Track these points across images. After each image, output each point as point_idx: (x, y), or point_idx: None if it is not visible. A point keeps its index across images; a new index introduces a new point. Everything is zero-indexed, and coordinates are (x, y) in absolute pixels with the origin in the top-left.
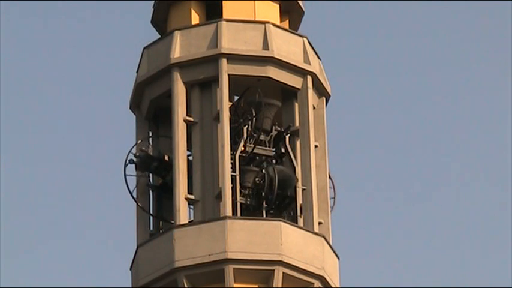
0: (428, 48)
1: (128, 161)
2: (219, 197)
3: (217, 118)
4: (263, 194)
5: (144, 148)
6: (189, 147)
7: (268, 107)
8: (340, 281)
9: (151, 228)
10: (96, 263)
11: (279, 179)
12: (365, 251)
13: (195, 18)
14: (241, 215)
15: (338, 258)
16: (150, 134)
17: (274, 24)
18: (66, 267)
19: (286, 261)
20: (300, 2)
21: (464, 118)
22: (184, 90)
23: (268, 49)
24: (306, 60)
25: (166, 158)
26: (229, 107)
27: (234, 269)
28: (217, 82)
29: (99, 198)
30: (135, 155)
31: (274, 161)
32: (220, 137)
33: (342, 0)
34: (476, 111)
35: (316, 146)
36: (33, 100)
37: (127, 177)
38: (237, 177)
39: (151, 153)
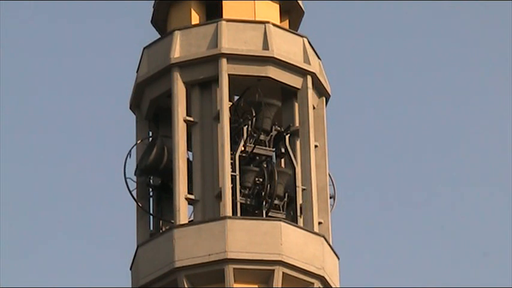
0: (428, 48)
1: (128, 158)
2: (219, 197)
3: (217, 118)
4: (263, 194)
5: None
6: (189, 147)
7: (268, 107)
8: (340, 281)
9: (151, 228)
10: (96, 263)
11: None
12: (365, 251)
13: (195, 18)
14: (241, 215)
15: (338, 258)
16: (150, 134)
17: (274, 24)
18: (66, 267)
19: (286, 261)
20: (300, 2)
21: (464, 118)
22: (184, 90)
23: (268, 49)
24: (306, 60)
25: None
26: (229, 107)
27: (234, 269)
28: (217, 82)
29: (99, 198)
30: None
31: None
32: (220, 137)
33: (342, 0)
34: (476, 111)
35: (316, 146)
36: (33, 100)
37: (127, 177)
38: (237, 177)
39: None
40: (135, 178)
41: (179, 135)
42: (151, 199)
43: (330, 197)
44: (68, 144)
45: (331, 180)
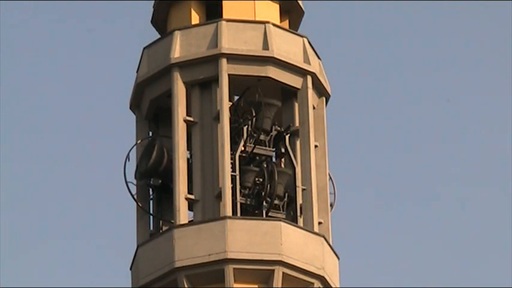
0: (428, 48)
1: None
2: (219, 197)
3: (217, 118)
4: (263, 194)
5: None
6: (189, 147)
7: (268, 107)
8: (340, 281)
9: (151, 228)
10: (96, 263)
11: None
12: (365, 251)
13: (195, 18)
14: (241, 215)
15: (338, 258)
16: (150, 134)
17: (274, 24)
18: (66, 267)
19: (286, 261)
20: (300, 2)
21: (464, 118)
22: (184, 90)
23: (268, 49)
24: (306, 60)
25: (165, 160)
26: (229, 107)
27: (234, 269)
28: (217, 82)
29: (99, 198)
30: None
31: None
32: (220, 137)
33: (342, 0)
34: (476, 112)
35: (316, 146)
36: (33, 100)
37: (127, 177)
38: (237, 177)
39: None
40: (135, 179)
41: (179, 135)
42: (151, 199)
43: (330, 204)
44: (68, 144)
45: (331, 180)
